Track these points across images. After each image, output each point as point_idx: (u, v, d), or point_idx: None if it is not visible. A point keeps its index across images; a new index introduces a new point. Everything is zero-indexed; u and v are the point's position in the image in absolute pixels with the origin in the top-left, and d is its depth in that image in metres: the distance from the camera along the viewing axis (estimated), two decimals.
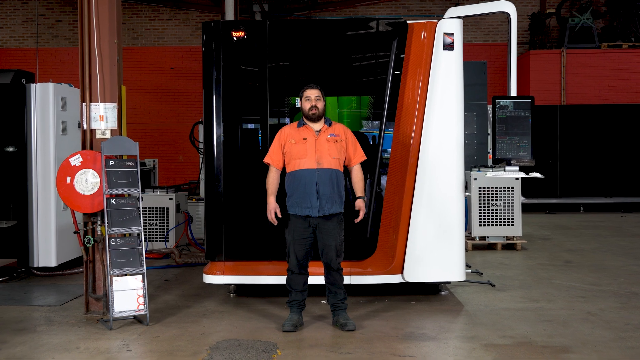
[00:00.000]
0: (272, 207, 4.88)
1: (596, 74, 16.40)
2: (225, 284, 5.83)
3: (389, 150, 5.67)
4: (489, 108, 14.13)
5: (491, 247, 8.84)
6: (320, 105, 4.93)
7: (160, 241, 8.66)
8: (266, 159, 5.02)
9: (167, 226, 8.64)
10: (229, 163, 5.66)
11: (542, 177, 5.05)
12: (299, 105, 5.04)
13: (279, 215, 4.89)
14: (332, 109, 6.07)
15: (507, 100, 5.32)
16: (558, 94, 16.61)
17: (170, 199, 8.65)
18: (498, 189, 8.71)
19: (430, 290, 5.96)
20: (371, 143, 5.73)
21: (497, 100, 5.32)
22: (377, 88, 5.79)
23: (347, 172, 5.09)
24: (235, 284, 5.89)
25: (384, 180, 5.66)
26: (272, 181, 4.96)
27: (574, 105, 15.35)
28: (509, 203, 8.72)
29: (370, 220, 5.58)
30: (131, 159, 5.19)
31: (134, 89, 18.26)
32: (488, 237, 8.82)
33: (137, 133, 18.58)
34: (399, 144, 5.62)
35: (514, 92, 5.40)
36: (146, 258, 8.54)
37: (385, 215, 5.60)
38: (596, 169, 13.99)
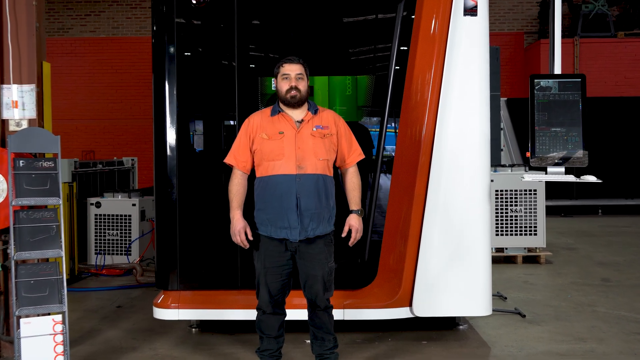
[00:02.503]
0: (240, 226, 3.58)
1: (612, 65, 15.16)
2: (181, 320, 4.52)
3: (394, 146, 4.40)
4: (503, 101, 12.90)
5: (510, 260, 7.57)
6: (302, 86, 3.64)
7: (121, 254, 7.36)
8: (228, 159, 3.72)
9: (130, 237, 7.34)
10: (186, 164, 4.37)
11: (600, 181, 3.75)
12: (275, 88, 3.74)
13: (250, 237, 3.59)
14: (322, 93, 4.80)
15: (551, 81, 4.02)
16: None
17: (134, 204, 7.35)
18: (518, 193, 7.43)
19: (445, 324, 4.68)
20: (371, 137, 4.44)
21: (536, 81, 4.03)
22: (378, 65, 4.50)
23: (336, 174, 3.79)
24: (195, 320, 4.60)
25: (386, 184, 4.38)
26: (238, 189, 3.66)
27: (588, 98, 14.00)
28: (530, 209, 7.44)
29: (369, 237, 4.29)
30: (50, 159, 3.88)
31: (113, 82, 16.97)
32: (506, 249, 7.54)
33: (117, 129, 17.30)
34: (406, 138, 4.32)
35: (558, 69, 4.12)
36: (104, 275, 7.37)
37: (389, 230, 4.31)
38: (614, 167, 12.59)
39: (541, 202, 7.44)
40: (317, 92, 4.89)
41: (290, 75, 3.62)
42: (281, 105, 3.68)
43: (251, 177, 3.72)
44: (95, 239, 7.41)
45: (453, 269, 4.20)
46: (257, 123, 3.68)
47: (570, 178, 3.91)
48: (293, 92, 3.60)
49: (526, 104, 4.27)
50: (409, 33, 4.33)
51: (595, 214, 12.83)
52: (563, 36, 14.18)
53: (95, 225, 7.41)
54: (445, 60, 4.23)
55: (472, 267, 4.21)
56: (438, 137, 4.25)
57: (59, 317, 3.73)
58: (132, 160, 11.75)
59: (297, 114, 3.67)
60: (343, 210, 3.71)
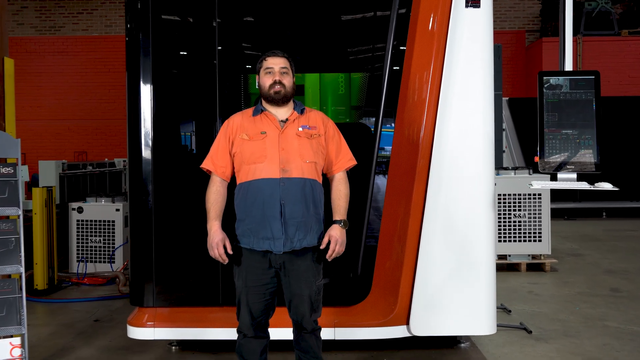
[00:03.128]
0: (218, 239, 3.20)
1: (616, 64, 14.79)
2: (157, 340, 4.15)
3: (389, 148, 4.04)
4: (504, 101, 12.53)
5: (513, 267, 7.20)
6: (287, 81, 3.27)
7: (105, 262, 7.00)
8: (205, 164, 3.35)
9: (114, 244, 6.97)
10: (162, 169, 4.01)
11: (617, 189, 3.39)
12: (257, 84, 3.38)
13: (229, 251, 3.23)
14: (313, 92, 4.45)
15: (561, 78, 3.66)
16: None
17: (118, 209, 6.98)
18: (522, 197, 7.07)
19: (446, 342, 4.31)
20: (363, 138, 4.08)
21: (545, 78, 3.66)
22: (372, 62, 4.15)
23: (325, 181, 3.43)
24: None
25: (381, 190, 4.02)
26: (216, 197, 3.29)
27: None
28: (535, 214, 7.08)
29: (363, 249, 3.92)
30: (9, 164, 3.52)
31: (106, 81, 16.61)
32: (510, 256, 7.18)
33: (110, 130, 16.92)
34: (403, 141, 3.97)
35: (569, 65, 3.76)
36: (85, 284, 6.95)
37: (384, 241, 3.95)
38: (618, 169, 12.16)
39: (546, 207, 7.08)
40: (308, 91, 4.55)
41: (274, 69, 3.26)
42: (264, 103, 3.32)
43: (232, 187, 3.35)
44: (78, 246, 7.04)
45: (454, 284, 3.84)
46: (238, 123, 3.31)
47: (583, 185, 3.55)
48: (277, 87, 3.24)
49: (528, 104, 3.98)
50: (405, 26, 3.97)
51: (599, 216, 12.47)
52: None
53: (78, 232, 7.04)
54: (446, 55, 3.88)
55: (475, 282, 3.85)
56: (438, 139, 3.89)
57: (17, 341, 3.37)
58: (124, 161, 11.40)
59: (282, 112, 3.31)
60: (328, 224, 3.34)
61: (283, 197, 3.15)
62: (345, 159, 3.42)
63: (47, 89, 17.23)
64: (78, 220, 7.03)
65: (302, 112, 3.35)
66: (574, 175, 3.64)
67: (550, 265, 7.17)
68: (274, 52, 3.31)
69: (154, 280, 4.01)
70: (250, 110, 3.36)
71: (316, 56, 4.26)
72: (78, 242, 7.04)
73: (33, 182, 10.92)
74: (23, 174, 7.02)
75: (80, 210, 7.02)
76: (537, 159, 3.63)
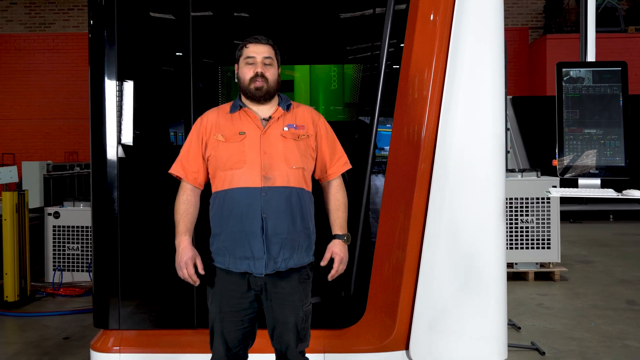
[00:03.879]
0: (187, 257, 2.74)
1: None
2: None
3: (387, 149, 3.59)
4: (508, 99, 12.06)
5: (520, 276, 6.74)
6: (271, 74, 2.81)
7: (83, 271, 6.53)
8: (175, 169, 2.87)
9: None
10: (130, 172, 3.55)
11: None
12: (236, 76, 2.91)
13: (200, 270, 2.76)
14: (304, 86, 4.01)
15: (583, 70, 3.19)
16: None
17: None
18: (529, 201, 6.61)
19: None
20: (357, 139, 3.63)
21: (564, 70, 3.20)
22: (367, 52, 3.69)
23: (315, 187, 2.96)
24: None
25: (377, 197, 3.56)
26: (186, 208, 2.82)
27: None
28: (543, 219, 6.61)
29: (356, 265, 3.46)
30: None
31: None
32: (516, 264, 6.72)
33: None
34: (402, 141, 3.50)
35: (591, 55, 3.30)
36: (61, 295, 6.25)
37: (380, 256, 3.49)
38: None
39: (555, 212, 6.62)
40: (299, 85, 4.10)
41: (256, 60, 2.79)
42: (243, 98, 2.86)
43: (206, 195, 2.89)
44: (54, 254, 6.58)
45: (460, 305, 3.37)
46: (212, 122, 2.85)
47: (610, 193, 3.08)
48: (259, 82, 2.78)
49: (532, 103, 3.53)
50: (405, 12, 3.51)
51: (607, 219, 12.04)
52: (570, 31, 13.31)
53: (54, 238, 6.58)
54: (450, 44, 3.41)
55: (484, 302, 3.38)
56: (441, 139, 3.43)
57: None
58: None
59: (264, 110, 2.85)
60: (321, 235, 2.88)
61: (265, 210, 2.69)
62: (341, 162, 2.97)
63: (37, 88, 16.78)
64: (54, 226, 6.57)
65: (288, 108, 2.89)
66: (598, 181, 3.18)
67: (560, 274, 6.72)
68: (256, 38, 2.84)
69: (120, 299, 3.54)
70: (227, 106, 2.90)
71: (306, 45, 3.80)
72: (54, 250, 6.58)
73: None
74: (12, 175, 6.60)
75: (56, 215, 6.56)
76: (555, 162, 3.17)
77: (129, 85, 3.54)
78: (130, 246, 3.55)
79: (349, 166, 2.96)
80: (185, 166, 2.83)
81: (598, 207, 12.08)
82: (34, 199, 9.51)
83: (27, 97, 16.77)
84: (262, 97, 2.80)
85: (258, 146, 2.75)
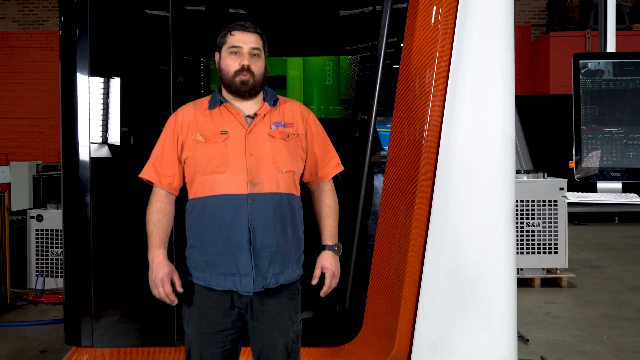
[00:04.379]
0: (163, 273, 2.42)
1: None
2: None
3: (386, 149, 3.30)
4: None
5: (525, 282, 6.43)
6: (258, 68, 2.50)
7: None
8: (146, 173, 2.55)
9: None
10: (104, 174, 3.24)
11: None
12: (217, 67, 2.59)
13: (179, 288, 2.45)
14: (298, 82, 3.74)
15: (602, 62, 2.88)
16: None
17: None
18: (535, 204, 6.30)
19: None
20: (354, 138, 3.33)
21: (582, 62, 2.89)
22: (365, 42, 3.39)
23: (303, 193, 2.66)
24: None
25: (375, 202, 3.26)
26: (160, 218, 2.50)
27: None
28: (550, 223, 6.31)
29: (352, 277, 3.15)
30: None
31: None
32: (522, 270, 6.41)
33: None
34: (402, 142, 3.20)
35: (612, 46, 3.00)
36: (44, 303, 5.72)
37: (379, 266, 3.18)
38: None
39: (562, 215, 6.31)
40: (293, 80, 3.82)
41: (242, 50, 2.48)
42: (224, 93, 2.55)
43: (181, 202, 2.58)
44: (37, 259, 6.27)
45: (466, 322, 3.06)
46: (189, 119, 2.54)
47: (633, 198, 2.77)
48: (244, 76, 2.47)
49: (535, 102, 3.23)
50: (405, 1, 3.21)
51: (612, 221, 11.74)
52: (574, 29, 12.96)
53: (37, 242, 6.27)
54: (456, 33, 3.10)
55: (492, 320, 3.07)
56: (445, 139, 3.12)
57: None
58: None
59: (248, 106, 2.55)
60: (308, 245, 2.58)
61: (252, 220, 2.38)
62: (333, 163, 2.66)
63: (30, 86, 16.47)
64: (37, 230, 6.27)
65: (274, 103, 2.59)
66: (619, 185, 2.87)
67: (567, 280, 6.41)
68: (243, 25, 2.52)
69: (93, 314, 3.24)
70: (204, 101, 2.59)
71: (298, 35, 3.50)
72: (37, 255, 6.27)
73: None
74: (4, 175, 6.35)
75: (39, 218, 6.26)
76: (571, 163, 2.86)
77: (101, 82, 3.24)
78: (105, 255, 3.25)
79: (342, 168, 2.67)
80: (159, 170, 2.52)
81: (603, 209, 11.76)
82: (22, 201, 9.22)
83: (21, 96, 16.46)
84: (247, 93, 2.50)
85: (243, 147, 2.45)
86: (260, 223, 2.38)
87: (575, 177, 2.83)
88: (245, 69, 2.46)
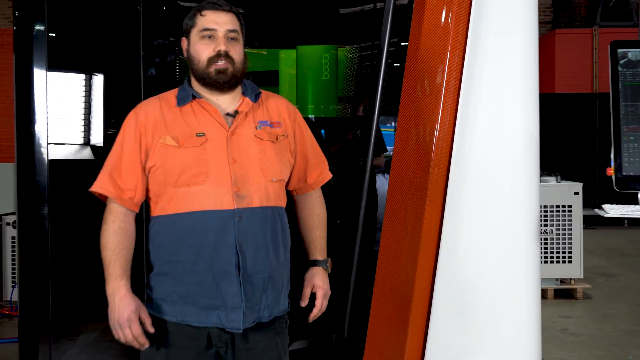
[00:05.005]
0: (129, 310, 1.98)
1: None
2: None
3: (391, 150, 2.89)
4: None
5: None
6: (238, 53, 2.10)
7: None
8: (101, 186, 2.08)
9: None
10: (63, 179, 2.82)
11: None
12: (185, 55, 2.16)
13: (149, 328, 2.00)
14: (290, 78, 3.36)
15: None
16: (589, 81, 13.80)
17: None
18: (548, 209, 5.88)
19: None
20: (353, 139, 2.90)
21: (620, 52, 2.47)
22: (365, 32, 2.97)
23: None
24: None
25: (379, 213, 2.84)
26: (119, 241, 2.05)
27: (603, 95, 12.44)
28: (564, 230, 5.88)
29: (351, 300, 2.72)
30: None
31: None
32: None
33: None
34: (409, 144, 2.76)
35: None
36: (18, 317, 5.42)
37: (382, 288, 2.74)
38: None
39: (577, 221, 5.90)
40: (284, 75, 3.44)
41: (217, 33, 2.06)
42: (196, 85, 2.14)
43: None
44: (13, 269, 5.84)
45: (483, 352, 2.63)
46: (154, 118, 2.11)
47: None
48: (222, 64, 2.07)
49: (541, 100, 2.79)
50: None
51: (621, 225, 11.31)
52: (580, 26, 12.59)
53: (13, 251, 5.85)
54: (471, 17, 2.67)
55: (513, 348, 2.64)
56: (459, 142, 2.68)
57: None
58: None
59: (226, 101, 2.14)
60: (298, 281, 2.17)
61: (241, 240, 1.98)
62: (323, 168, 2.29)
63: None
64: (14, 238, 5.84)
65: (256, 98, 2.17)
66: None
67: (582, 291, 5.98)
68: (215, 3, 2.10)
69: (51, 337, 2.82)
70: (171, 96, 2.16)
71: (288, 23, 3.09)
72: (14, 264, 5.84)
73: None
74: None
75: (15, 225, 5.81)
76: (610, 171, 2.44)
77: (61, 77, 2.82)
78: (65, 271, 2.83)
79: (330, 175, 2.30)
80: (117, 182, 2.07)
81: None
82: (7, 204, 8.80)
83: (12, 95, 16.04)
84: (226, 84, 2.09)
85: (225, 152, 2.03)
86: (249, 244, 1.99)
87: (615, 186, 2.40)
88: (222, 55, 2.04)
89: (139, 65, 2.75)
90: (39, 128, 2.80)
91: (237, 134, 2.06)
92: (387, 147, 3.41)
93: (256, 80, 2.40)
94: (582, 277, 5.93)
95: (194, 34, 2.08)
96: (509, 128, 2.68)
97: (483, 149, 2.67)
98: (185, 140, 2.03)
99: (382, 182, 3.22)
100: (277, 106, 2.18)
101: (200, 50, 2.06)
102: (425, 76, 2.76)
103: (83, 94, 2.85)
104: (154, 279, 2.06)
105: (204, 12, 2.07)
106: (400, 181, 2.77)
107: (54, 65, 2.79)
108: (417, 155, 2.75)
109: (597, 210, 2.68)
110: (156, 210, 2.07)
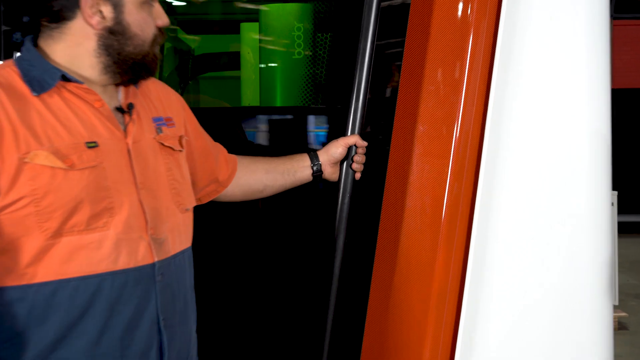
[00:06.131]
0: None
1: None
2: None
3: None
4: None
5: None
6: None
7: None
8: None
9: None
10: None
11: None
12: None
13: None
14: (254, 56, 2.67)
15: None
16: None
17: None
18: None
19: None
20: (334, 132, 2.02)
21: None
22: None
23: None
24: None
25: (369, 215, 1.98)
26: None
27: (622, 90, 11.66)
28: None
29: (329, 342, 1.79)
30: None
31: None
32: None
33: None
34: (411, 149, 1.84)
35: None
36: None
37: (375, 309, 1.82)
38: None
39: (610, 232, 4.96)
40: (245, 57, 2.69)
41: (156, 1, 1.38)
42: (87, 66, 1.31)
43: None
44: None
45: None
46: (10, 116, 1.19)
47: None
48: (161, 43, 1.44)
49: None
50: None
51: (638, 232, 10.55)
52: None
53: None
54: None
55: None
56: (492, 148, 1.76)
57: None
58: None
59: (109, 89, 1.35)
60: None
61: (163, 309, 1.33)
62: (226, 155, 1.67)
63: None
64: None
65: (135, 82, 1.33)
66: None
67: (618, 319, 5.06)
68: None
69: None
70: (11, 76, 1.25)
71: None
72: None
73: None
74: None
75: None
76: None
77: None
78: None
79: (235, 156, 1.70)
80: None
81: (630, 219, 10.62)
82: None
83: None
84: (152, 74, 1.41)
85: (130, 173, 1.28)
86: (174, 313, 1.36)
87: None
88: (163, 32, 1.42)
89: None
90: None
91: (139, 141, 1.29)
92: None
93: None
94: (617, 304, 5.02)
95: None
96: (569, 130, 1.77)
97: (531, 159, 1.76)
98: (74, 157, 1.19)
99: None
100: (157, 92, 1.44)
101: (145, 22, 1.32)
102: (437, 71, 1.84)
103: None
104: None
105: None
106: (396, 203, 1.84)
107: None
108: (423, 166, 1.82)
109: None
110: (15, 276, 1.16)
